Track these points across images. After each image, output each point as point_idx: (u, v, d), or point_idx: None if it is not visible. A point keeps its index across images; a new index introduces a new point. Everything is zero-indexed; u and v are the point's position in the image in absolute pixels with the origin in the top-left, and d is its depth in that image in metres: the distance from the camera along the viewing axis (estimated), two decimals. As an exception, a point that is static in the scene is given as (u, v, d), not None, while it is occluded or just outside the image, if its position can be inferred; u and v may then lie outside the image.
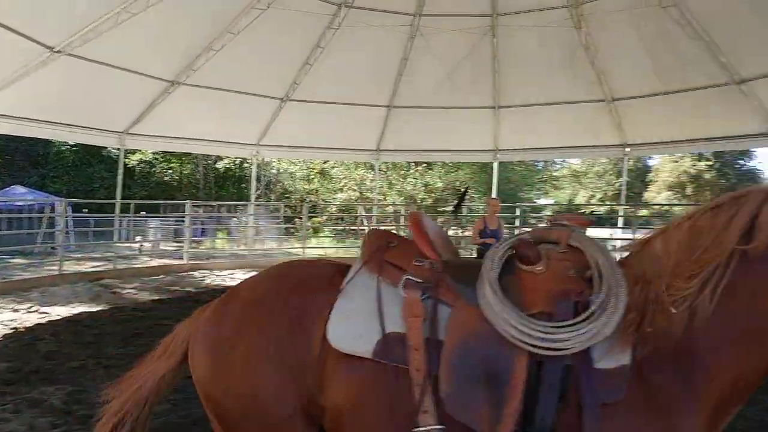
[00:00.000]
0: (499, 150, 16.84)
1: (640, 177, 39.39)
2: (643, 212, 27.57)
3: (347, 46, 13.83)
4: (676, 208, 33.31)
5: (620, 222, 17.88)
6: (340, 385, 1.67)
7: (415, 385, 1.61)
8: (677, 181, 35.68)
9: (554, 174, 32.36)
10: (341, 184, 23.39)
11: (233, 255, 16.88)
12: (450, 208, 11.33)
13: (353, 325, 1.71)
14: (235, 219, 21.19)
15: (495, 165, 17.47)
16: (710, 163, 35.22)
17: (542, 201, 33.90)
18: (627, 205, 21.12)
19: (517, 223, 16.70)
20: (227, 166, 24.43)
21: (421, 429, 1.58)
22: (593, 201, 36.93)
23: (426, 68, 14.47)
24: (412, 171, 22.13)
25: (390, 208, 22.88)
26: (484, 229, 7.47)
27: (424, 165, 21.93)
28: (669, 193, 35.90)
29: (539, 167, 28.73)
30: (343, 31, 13.43)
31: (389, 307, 1.73)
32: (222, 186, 25.08)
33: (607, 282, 1.63)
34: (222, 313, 1.90)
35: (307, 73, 14.65)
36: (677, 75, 13.19)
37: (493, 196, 15.70)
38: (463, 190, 18.24)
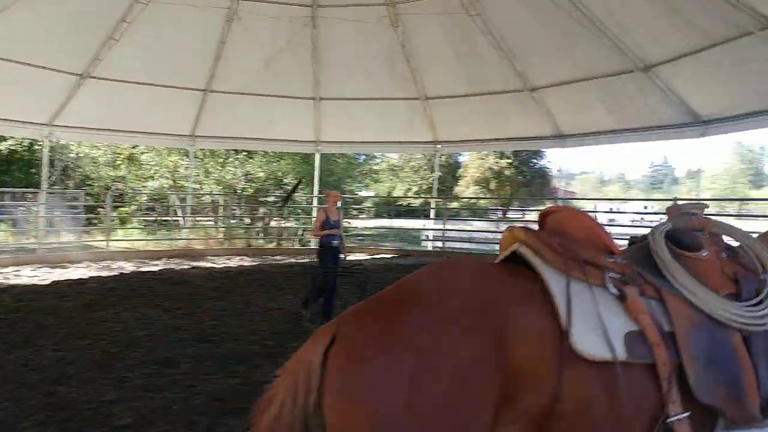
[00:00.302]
0: (321, 142, 16.93)
1: (452, 172, 42.65)
2: (454, 204, 29.81)
3: (158, 23, 12.74)
4: (482, 201, 36.62)
5: (432, 213, 19.15)
6: (586, 390, 1.61)
7: (662, 379, 1.64)
8: (483, 177, 39.28)
9: (374, 167, 33.65)
10: (152, 172, 21.63)
11: (20, 249, 14.75)
12: (278, 200, 11.04)
13: (592, 330, 1.65)
14: (22, 208, 18.44)
15: (317, 157, 17.53)
16: (510, 161, 39.27)
17: (363, 193, 35.04)
18: (439, 198, 22.70)
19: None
20: (12, 147, 21.14)
21: (672, 419, 1.63)
22: (410, 194, 39.13)
23: (245, 54, 13.94)
24: (231, 159, 21.24)
25: (207, 198, 21.77)
26: (326, 220, 7.46)
27: (245, 153, 21.18)
28: (476, 187, 39.38)
29: (360, 160, 29.61)
30: (155, 6, 12.34)
31: (609, 307, 1.71)
32: (5, 171, 21.67)
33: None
34: (401, 351, 1.53)
35: (111, 49, 13.20)
36: (481, 79, 14.44)
37: (315, 186, 15.75)
38: (295, 182, 18.06)
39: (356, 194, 27.01)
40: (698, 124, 12.27)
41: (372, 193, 36.84)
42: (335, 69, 14.87)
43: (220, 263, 13.63)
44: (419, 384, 1.49)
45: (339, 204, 8.13)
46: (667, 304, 1.76)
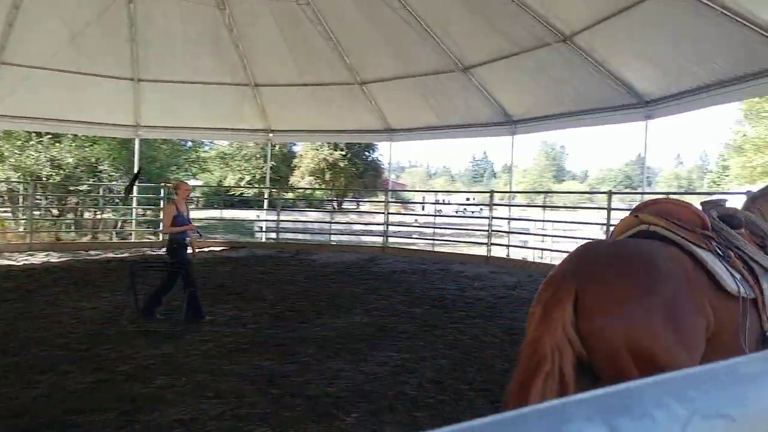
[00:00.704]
0: (141, 126, 15.64)
1: (286, 162, 42.26)
2: (289, 195, 29.59)
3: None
4: (317, 192, 36.84)
5: (266, 204, 18.80)
6: (725, 313, 2.37)
7: (760, 306, 2.54)
8: (317, 168, 39.52)
9: (202, 155, 32.00)
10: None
11: None
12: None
13: (726, 277, 2.42)
14: None
15: (137, 142, 16.17)
16: (344, 152, 40.03)
17: (191, 182, 33.20)
18: (273, 188, 22.37)
19: (162, 204, 15.86)
20: None
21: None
22: (242, 183, 38.02)
23: (46, 24, 12.32)
24: (33, 143, 18.65)
25: (2, 186, 18.94)
26: (178, 215, 6.79)
27: (50, 136, 18.74)
28: (311, 178, 39.51)
29: (187, 147, 27.89)
30: None
31: (721, 264, 2.47)
32: None
33: None
34: (653, 296, 2.18)
35: None
36: (313, 69, 14.42)
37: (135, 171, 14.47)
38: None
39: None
40: (510, 123, 13.60)
41: (200, 183, 35.09)
42: (156, 49, 13.75)
43: (21, 260, 11.98)
44: (672, 318, 2.16)
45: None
46: (747, 262, 2.63)
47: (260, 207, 19.68)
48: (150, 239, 16.00)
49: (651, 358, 2.09)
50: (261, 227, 18.24)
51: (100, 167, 19.79)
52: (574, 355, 2.12)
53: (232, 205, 29.06)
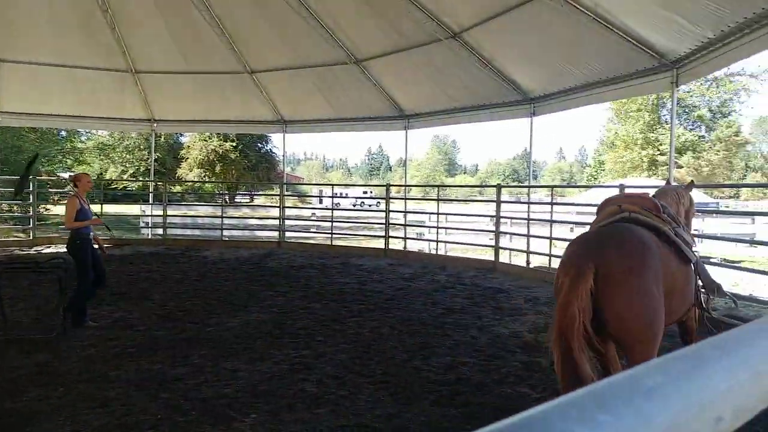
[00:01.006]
0: (2, 112, 14.08)
1: (173, 153, 40.17)
2: (177, 188, 28.12)
3: None
4: (207, 185, 35.36)
5: (151, 198, 17.71)
6: (680, 278, 3.45)
7: (697, 270, 3.72)
8: (207, 159, 37.92)
9: (79, 145, 29.49)
10: None
11: None
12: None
13: (687, 250, 3.52)
14: None
15: (-3, 130, 14.57)
16: (234, 144, 38.73)
17: (66, 175, 30.50)
18: (159, 181, 21.12)
19: (31, 199, 14.40)
20: None
21: (701, 289, 3.81)
22: (125, 176, 35.62)
23: None
24: None
25: None
26: (81, 209, 6.42)
27: None
28: (200, 170, 37.83)
29: (60, 137, 25.50)
30: None
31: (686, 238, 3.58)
32: None
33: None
34: (649, 270, 3.03)
35: None
36: (199, 57, 13.71)
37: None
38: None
39: (56, 176, 23.30)
40: (403, 117, 13.83)
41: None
42: (19, 28, 12.41)
43: None
44: (656, 282, 3.02)
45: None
46: (686, 236, 3.60)
47: (145, 201, 18.52)
48: (18, 237, 14.48)
49: (646, 309, 2.98)
50: (146, 223, 17.20)
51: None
52: (591, 315, 2.93)
53: (113, 200, 27.07)
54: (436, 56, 11.65)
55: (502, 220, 11.40)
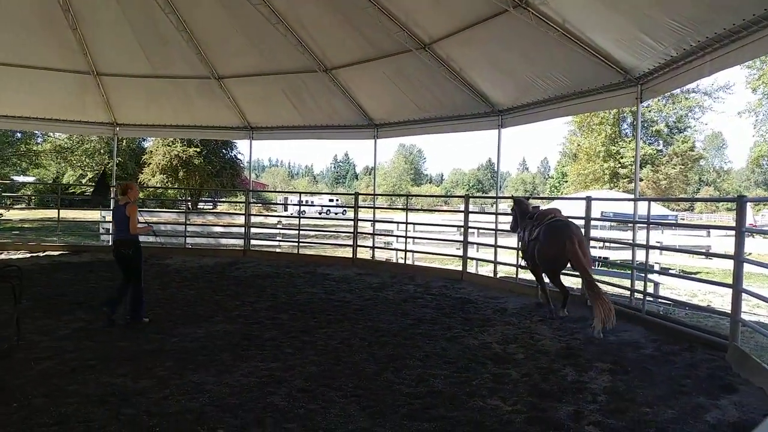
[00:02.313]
0: (-48, 113, 13.50)
1: (134, 158, 39.26)
2: (139, 194, 27.40)
3: None
4: (170, 191, 34.63)
5: (112, 203, 17.16)
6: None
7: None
8: (170, 165, 37.17)
9: (35, 148, 28.44)
10: None
11: None
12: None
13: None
14: None
15: (-51, 131, 13.93)
16: (199, 149, 38.11)
17: (21, 178, 29.34)
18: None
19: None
20: None
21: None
22: (83, 181, 34.54)
23: None
24: None
25: None
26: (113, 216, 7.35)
27: None
28: (162, 176, 37.04)
29: (15, 138, 24.52)
30: None
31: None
32: None
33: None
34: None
35: None
36: (164, 61, 13.41)
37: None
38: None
39: (11, 179, 22.41)
40: (371, 126, 13.82)
41: (32, 179, 31.20)
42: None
43: None
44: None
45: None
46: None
47: (105, 207, 17.95)
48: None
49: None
50: (106, 229, 16.68)
51: None
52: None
53: (71, 205, 26.19)
54: (405, 66, 11.70)
55: (469, 230, 11.46)
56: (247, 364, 5.22)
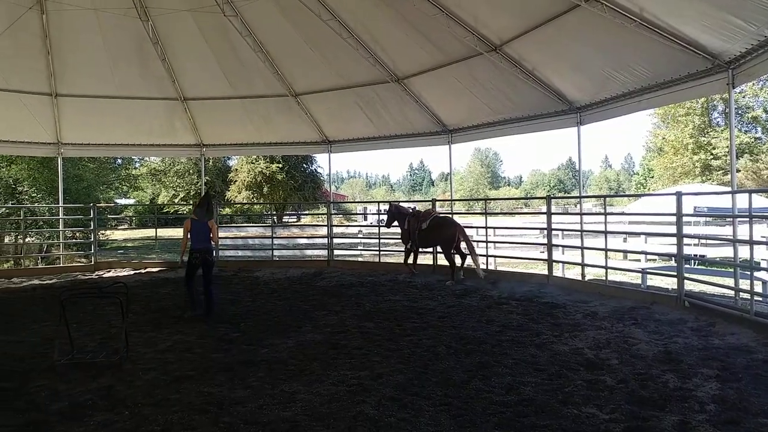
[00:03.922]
0: (64, 144, 14.79)
1: (221, 176, 41.25)
2: (227, 210, 28.78)
3: None
4: (256, 207, 36.03)
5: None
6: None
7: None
8: (254, 181, 38.75)
9: (133, 172, 30.71)
10: None
11: None
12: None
13: None
14: None
15: (59, 160, 15.26)
16: (281, 165, 39.47)
17: (122, 201, 31.71)
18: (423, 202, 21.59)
19: (92, 226, 15.01)
20: None
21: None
22: (176, 200, 36.72)
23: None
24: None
25: None
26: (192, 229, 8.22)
27: (-41, 158, 17.47)
28: (248, 192, 38.66)
29: (116, 165, 26.61)
30: None
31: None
32: None
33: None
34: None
35: None
36: (244, 82, 14.10)
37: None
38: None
39: (114, 203, 24.26)
40: (446, 132, 13.78)
41: (132, 201, 33.58)
42: (75, 63, 13.10)
43: (-68, 293, 10.99)
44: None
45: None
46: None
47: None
48: (81, 262, 15.07)
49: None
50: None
51: (20, 188, 18.55)
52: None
53: (166, 224, 27.91)
54: (477, 70, 11.61)
55: (553, 232, 11.12)
56: (336, 372, 5.32)
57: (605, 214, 10.65)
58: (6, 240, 18.73)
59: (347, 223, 31.63)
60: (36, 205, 18.01)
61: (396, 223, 12.32)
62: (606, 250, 9.91)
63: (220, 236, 15.59)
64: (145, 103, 14.59)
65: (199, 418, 4.28)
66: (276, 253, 15.56)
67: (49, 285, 11.75)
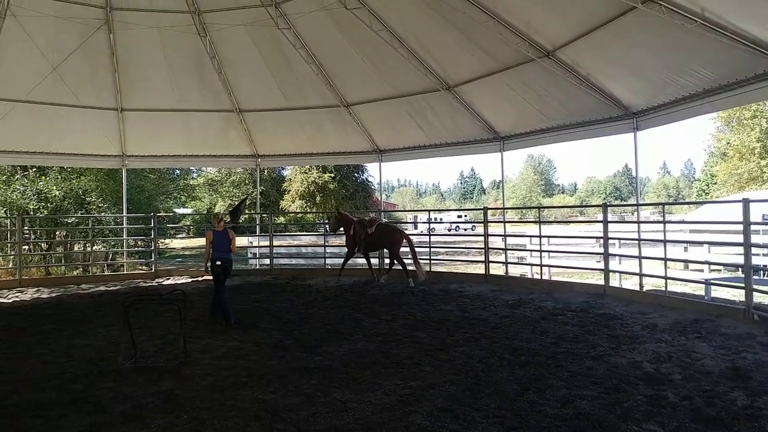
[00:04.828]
0: (128, 156, 15.50)
1: (276, 186, 42.16)
2: (281, 219, 29.35)
3: None
4: (309, 216, 36.61)
5: (258, 230, 18.60)
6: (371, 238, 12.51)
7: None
8: (307, 191, 39.42)
9: (191, 183, 31.82)
10: None
11: None
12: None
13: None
14: None
15: (124, 172, 16.00)
16: (333, 175, 39.99)
17: (181, 210, 32.89)
18: (265, 213, 22.19)
19: (152, 234, 15.65)
20: None
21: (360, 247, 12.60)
22: (224, 209, 37.71)
23: (25, 56, 12.22)
24: (18, 177, 18.43)
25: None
26: (214, 240, 8.61)
27: (35, 170, 18.53)
28: (301, 201, 39.36)
29: (175, 176, 27.66)
30: None
31: None
32: None
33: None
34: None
35: None
36: (297, 93, 14.42)
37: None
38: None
39: (173, 212, 25.20)
40: (497, 139, 13.64)
41: (190, 210, 34.77)
42: (139, 78, 13.77)
43: (10, 297, 11.70)
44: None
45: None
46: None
47: (252, 233, 19.48)
48: (142, 270, 15.71)
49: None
50: (254, 254, 18.02)
51: (88, 199, 19.52)
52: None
53: (222, 232, 28.72)
54: (529, 76, 11.46)
55: (609, 241, 10.79)
56: (387, 382, 5.33)
57: (664, 222, 10.26)
58: (75, 248, 19.71)
59: (398, 232, 31.72)
60: (102, 214, 18.92)
61: (342, 229, 13.15)
62: (665, 259, 9.52)
63: (275, 244, 16.10)
64: (203, 115, 15.13)
65: (254, 424, 4.37)
66: (328, 261, 15.74)
67: (114, 291, 12.30)
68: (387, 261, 13.15)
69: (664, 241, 9.53)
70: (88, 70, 13.19)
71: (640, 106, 10.67)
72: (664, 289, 9.56)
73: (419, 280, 11.89)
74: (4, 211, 18.14)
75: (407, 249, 12.43)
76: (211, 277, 8.70)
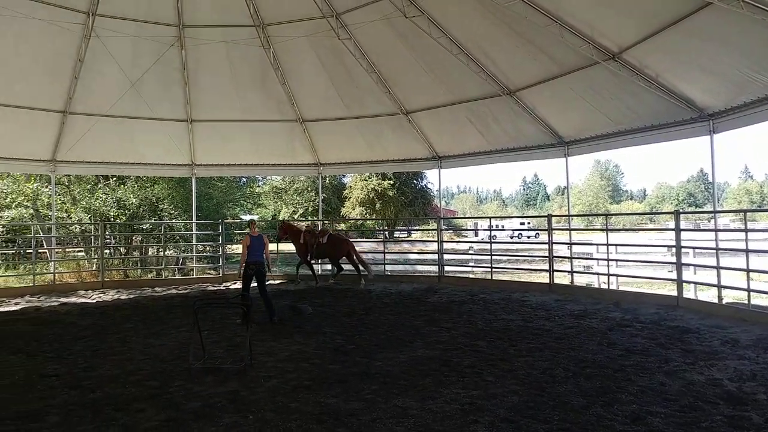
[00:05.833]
0: (197, 165, 16.18)
1: (337, 194, 42.81)
2: (342, 226, 29.76)
3: (4, 38, 11.67)
4: (369, 222, 36.98)
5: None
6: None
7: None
8: (367, 198, 39.80)
9: (257, 191, 32.88)
10: (8, 200, 19.33)
11: None
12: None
13: None
14: None
15: (193, 181, 16.71)
16: (392, 182, 40.20)
17: (246, 217, 33.95)
18: (327, 220, 22.59)
19: (220, 240, 16.24)
20: None
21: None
22: (296, 216, 38.64)
23: (107, 74, 13.06)
24: (101, 186, 19.63)
25: (76, 228, 19.87)
26: (250, 245, 9.09)
27: (115, 179, 19.68)
28: (361, 208, 39.79)
29: (241, 184, 28.65)
30: (-1, 19, 11.13)
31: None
32: None
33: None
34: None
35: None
36: (358, 102, 14.63)
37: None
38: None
39: (239, 219, 26.09)
40: (562, 144, 13.29)
41: (256, 217, 35.79)
42: (207, 90, 14.39)
43: (94, 298, 12.46)
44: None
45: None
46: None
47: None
48: (210, 274, 16.30)
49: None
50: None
51: (161, 206, 20.55)
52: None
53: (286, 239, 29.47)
54: (594, 79, 11.13)
55: (683, 250, 10.26)
56: (448, 390, 5.28)
57: (746, 230, 9.60)
58: (149, 252, 20.76)
59: (457, 239, 31.42)
60: (174, 221, 19.83)
61: (288, 238, 14.20)
62: (748, 270, 8.94)
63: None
64: (267, 125, 15.60)
65: (316, 427, 4.43)
66: (388, 267, 15.80)
67: (184, 294, 12.83)
68: (331, 266, 14.30)
69: (746, 251, 8.93)
70: (161, 85, 13.90)
71: (717, 108, 10.12)
72: (746, 302, 8.97)
73: (369, 277, 13.64)
74: (89, 217, 19.35)
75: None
76: (255, 283, 9.09)
